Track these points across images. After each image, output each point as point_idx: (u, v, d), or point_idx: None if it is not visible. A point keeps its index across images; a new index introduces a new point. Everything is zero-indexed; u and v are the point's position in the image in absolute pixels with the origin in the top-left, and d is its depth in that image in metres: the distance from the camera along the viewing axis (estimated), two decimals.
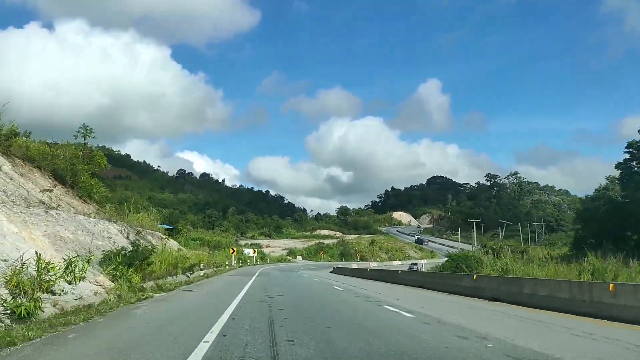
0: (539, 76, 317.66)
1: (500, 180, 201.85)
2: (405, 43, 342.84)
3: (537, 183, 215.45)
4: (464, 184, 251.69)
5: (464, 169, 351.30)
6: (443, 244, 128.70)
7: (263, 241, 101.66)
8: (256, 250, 76.10)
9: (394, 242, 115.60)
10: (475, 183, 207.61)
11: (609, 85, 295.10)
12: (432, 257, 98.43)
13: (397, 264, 79.78)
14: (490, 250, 42.34)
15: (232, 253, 56.64)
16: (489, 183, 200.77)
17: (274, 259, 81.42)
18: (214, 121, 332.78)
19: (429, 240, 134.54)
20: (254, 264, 67.11)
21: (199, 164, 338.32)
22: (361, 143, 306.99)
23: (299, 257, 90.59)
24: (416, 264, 58.03)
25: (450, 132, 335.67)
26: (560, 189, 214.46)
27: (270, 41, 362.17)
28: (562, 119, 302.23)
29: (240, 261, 60.61)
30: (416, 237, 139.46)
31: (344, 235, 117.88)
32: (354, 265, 59.03)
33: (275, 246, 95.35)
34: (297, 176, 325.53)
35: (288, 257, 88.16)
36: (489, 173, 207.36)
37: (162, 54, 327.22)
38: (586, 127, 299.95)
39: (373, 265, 69.99)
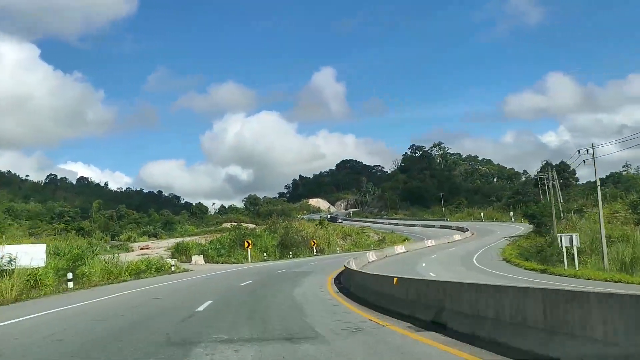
0: (432, 61, 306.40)
1: (426, 150, 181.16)
2: (298, 31, 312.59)
3: (459, 154, 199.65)
4: (375, 166, 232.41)
5: (364, 157, 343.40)
6: (396, 223, 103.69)
7: (141, 243, 63.83)
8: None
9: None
10: (403, 155, 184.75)
11: (497, 65, 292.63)
12: (404, 240, 67.81)
13: (400, 250, 48.11)
14: None
15: None
16: (416, 155, 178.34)
17: (128, 270, 29.07)
18: (97, 126, 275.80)
19: (342, 219, 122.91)
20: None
21: (86, 175, 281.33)
22: (258, 139, 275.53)
23: (197, 259, 46.27)
24: None
25: (348, 121, 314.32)
26: (484, 159, 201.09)
27: (152, 31, 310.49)
28: (455, 102, 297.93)
29: None
30: (329, 216, 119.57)
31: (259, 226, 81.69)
32: (352, 263, 24.17)
33: (159, 247, 56.62)
34: (195, 179, 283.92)
35: (168, 260, 38.20)
36: (414, 145, 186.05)
37: (28, 51, 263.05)
38: (476, 109, 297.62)
39: (372, 257, 36.77)
